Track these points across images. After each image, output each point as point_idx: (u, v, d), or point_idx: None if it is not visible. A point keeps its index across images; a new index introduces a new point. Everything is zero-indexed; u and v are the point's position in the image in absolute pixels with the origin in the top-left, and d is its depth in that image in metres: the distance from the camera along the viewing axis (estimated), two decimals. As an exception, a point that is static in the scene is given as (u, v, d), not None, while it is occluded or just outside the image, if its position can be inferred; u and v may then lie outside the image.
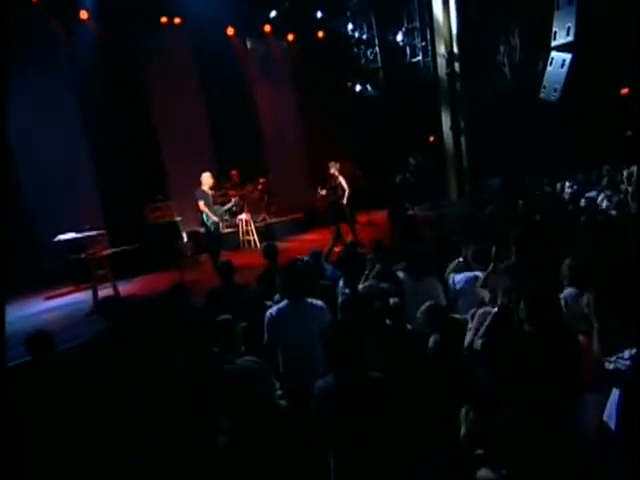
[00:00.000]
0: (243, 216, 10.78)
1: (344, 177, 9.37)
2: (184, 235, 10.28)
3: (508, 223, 6.24)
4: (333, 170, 9.24)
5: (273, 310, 3.55)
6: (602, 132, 10.06)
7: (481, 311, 3.55)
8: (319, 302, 3.59)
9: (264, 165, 12.65)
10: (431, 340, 2.94)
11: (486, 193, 11.26)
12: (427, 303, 3.69)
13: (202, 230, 8.54)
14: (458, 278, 4.55)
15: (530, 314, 2.80)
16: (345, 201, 9.18)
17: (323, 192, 9.35)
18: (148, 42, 10.60)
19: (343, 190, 9.18)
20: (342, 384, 2.49)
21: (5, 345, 3.98)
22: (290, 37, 13.27)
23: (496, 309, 3.31)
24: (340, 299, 4.22)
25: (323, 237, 9.41)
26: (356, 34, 13.87)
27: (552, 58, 10.86)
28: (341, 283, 4.36)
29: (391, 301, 3.59)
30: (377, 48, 14.01)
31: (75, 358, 4.44)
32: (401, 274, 4.62)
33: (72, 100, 9.50)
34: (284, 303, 3.53)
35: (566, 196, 8.79)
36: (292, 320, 3.44)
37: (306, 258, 5.58)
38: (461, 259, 4.86)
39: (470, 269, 4.59)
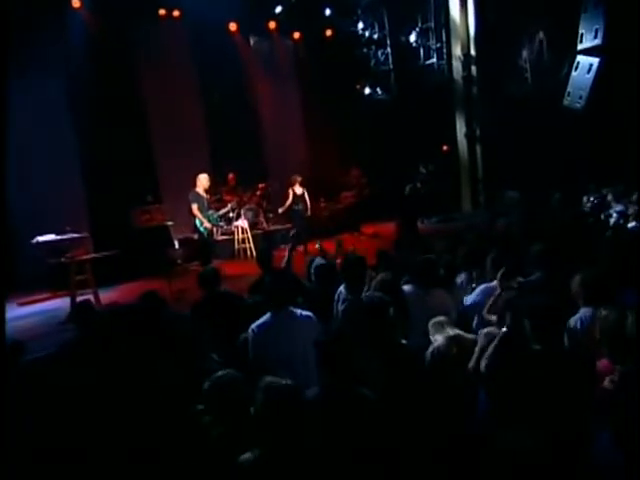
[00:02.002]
0: (240, 223, 10.70)
1: (308, 190, 10.31)
2: (175, 241, 10.21)
3: (524, 238, 6.14)
4: (296, 186, 10.11)
5: (255, 325, 3.48)
6: (630, 143, 9.93)
7: (486, 330, 3.48)
8: (307, 313, 3.52)
9: (264, 169, 12.64)
10: (428, 353, 2.84)
11: (502, 206, 11.13)
12: (435, 318, 3.60)
13: (195, 236, 8.48)
14: (469, 298, 4.43)
15: (534, 329, 2.71)
16: (309, 213, 10.21)
17: (280, 210, 10.34)
18: (144, 35, 10.68)
19: (306, 204, 10.03)
20: (327, 399, 2.39)
21: (4, 344, 3.96)
22: (296, 35, 13.31)
23: (502, 331, 3.22)
24: (341, 306, 4.14)
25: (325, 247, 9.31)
26: (366, 33, 13.77)
27: (578, 62, 10.72)
28: (342, 289, 4.28)
29: (390, 313, 3.49)
30: (389, 49, 13.94)
31: (43, 368, 4.36)
32: (407, 287, 4.53)
33: (61, 95, 9.52)
34: (267, 316, 3.48)
35: (587, 209, 8.70)
36: (275, 334, 3.38)
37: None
38: (463, 276, 4.73)
39: (473, 284, 4.49)
